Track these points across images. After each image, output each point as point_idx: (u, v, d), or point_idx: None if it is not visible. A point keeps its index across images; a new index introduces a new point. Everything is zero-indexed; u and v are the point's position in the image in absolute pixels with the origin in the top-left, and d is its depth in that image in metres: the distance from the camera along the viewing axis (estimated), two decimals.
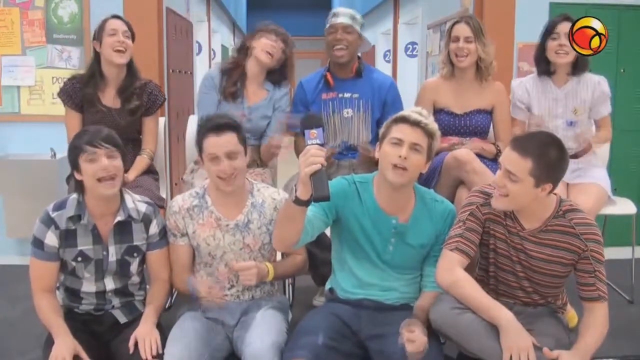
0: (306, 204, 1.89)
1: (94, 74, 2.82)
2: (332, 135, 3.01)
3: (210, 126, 2.23)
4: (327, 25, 2.98)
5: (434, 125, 2.13)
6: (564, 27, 2.83)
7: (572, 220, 2.07)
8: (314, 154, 1.79)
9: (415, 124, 2.09)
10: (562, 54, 2.86)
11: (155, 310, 2.22)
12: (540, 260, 2.09)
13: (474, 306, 1.98)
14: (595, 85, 2.93)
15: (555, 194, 2.11)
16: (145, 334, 2.09)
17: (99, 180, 2.11)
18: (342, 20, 2.94)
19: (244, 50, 2.96)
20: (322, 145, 1.83)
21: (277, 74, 2.98)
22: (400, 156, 2.07)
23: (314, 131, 1.83)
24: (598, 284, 2.04)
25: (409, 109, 2.18)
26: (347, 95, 3.01)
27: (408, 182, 2.13)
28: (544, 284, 2.14)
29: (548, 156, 1.97)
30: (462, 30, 2.89)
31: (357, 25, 2.97)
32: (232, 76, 2.94)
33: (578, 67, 2.91)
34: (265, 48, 2.88)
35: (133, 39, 2.86)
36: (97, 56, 2.83)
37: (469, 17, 2.99)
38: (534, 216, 2.09)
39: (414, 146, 2.08)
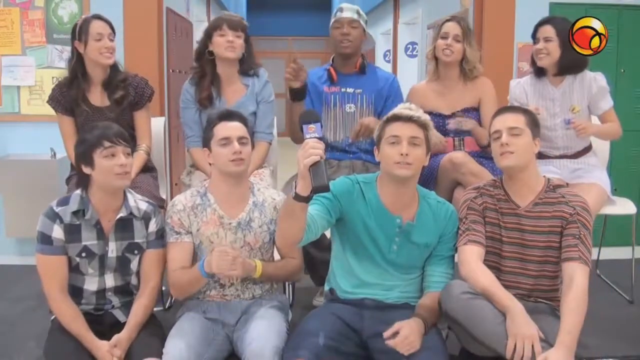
0: (306, 200, 1.89)
1: (76, 75, 2.77)
2: (333, 131, 2.99)
3: (220, 115, 2.30)
4: (333, 20, 3.00)
5: (425, 117, 2.17)
6: (542, 32, 2.87)
7: (561, 192, 2.21)
8: (313, 146, 1.81)
9: (408, 119, 2.13)
10: (541, 56, 2.88)
11: (135, 326, 2.17)
12: (536, 233, 2.18)
13: (486, 293, 2.03)
14: (591, 82, 2.92)
15: (544, 176, 2.26)
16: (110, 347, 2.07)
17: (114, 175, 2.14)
18: (347, 14, 2.96)
19: (204, 57, 2.86)
20: (320, 139, 1.85)
21: (245, 63, 2.90)
22: (401, 154, 2.09)
23: (312, 126, 1.86)
24: (580, 246, 2.10)
25: (398, 107, 2.21)
26: (350, 90, 3.00)
27: (414, 174, 2.15)
28: (540, 260, 2.19)
29: (530, 111, 2.29)
30: (453, 27, 2.91)
31: (362, 21, 3.00)
32: (203, 84, 2.86)
33: (562, 67, 2.89)
34: (224, 46, 2.78)
35: (115, 35, 2.81)
36: (79, 56, 2.76)
37: (461, 18, 2.99)
38: (527, 191, 2.21)
39: (412, 140, 2.11)
